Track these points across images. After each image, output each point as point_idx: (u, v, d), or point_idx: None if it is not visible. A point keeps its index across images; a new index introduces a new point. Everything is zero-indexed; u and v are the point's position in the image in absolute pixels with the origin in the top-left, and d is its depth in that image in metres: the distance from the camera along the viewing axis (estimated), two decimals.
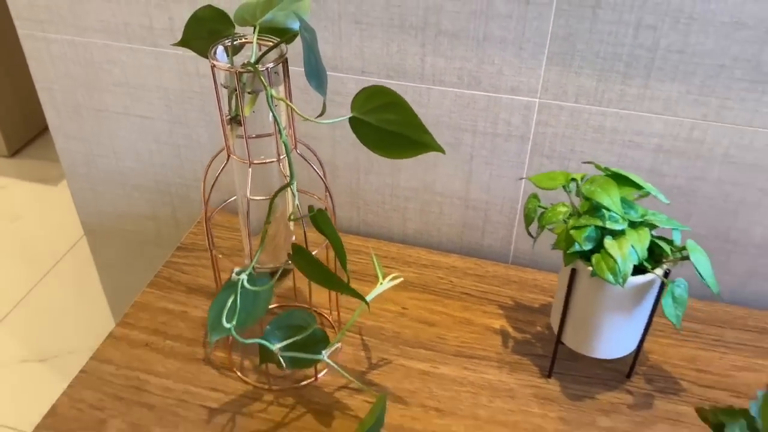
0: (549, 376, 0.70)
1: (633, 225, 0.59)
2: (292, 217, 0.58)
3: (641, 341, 0.67)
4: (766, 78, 0.65)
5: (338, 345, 0.65)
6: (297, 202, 0.54)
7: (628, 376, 0.70)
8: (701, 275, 0.59)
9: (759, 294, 0.79)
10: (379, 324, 0.76)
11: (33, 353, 1.41)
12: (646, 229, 0.59)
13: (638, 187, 0.60)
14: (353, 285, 0.59)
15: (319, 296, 0.77)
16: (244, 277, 0.55)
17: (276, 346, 0.59)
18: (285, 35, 0.54)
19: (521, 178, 0.77)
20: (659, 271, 0.60)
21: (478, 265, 0.84)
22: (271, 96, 0.49)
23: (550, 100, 0.72)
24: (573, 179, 0.62)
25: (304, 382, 0.70)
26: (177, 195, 0.95)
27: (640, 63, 0.67)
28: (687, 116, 0.69)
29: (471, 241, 0.86)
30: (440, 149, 0.49)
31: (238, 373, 0.70)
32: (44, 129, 2.08)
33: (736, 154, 0.70)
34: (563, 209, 0.61)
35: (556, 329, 0.68)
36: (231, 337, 0.74)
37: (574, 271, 0.62)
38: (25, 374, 1.37)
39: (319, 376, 0.70)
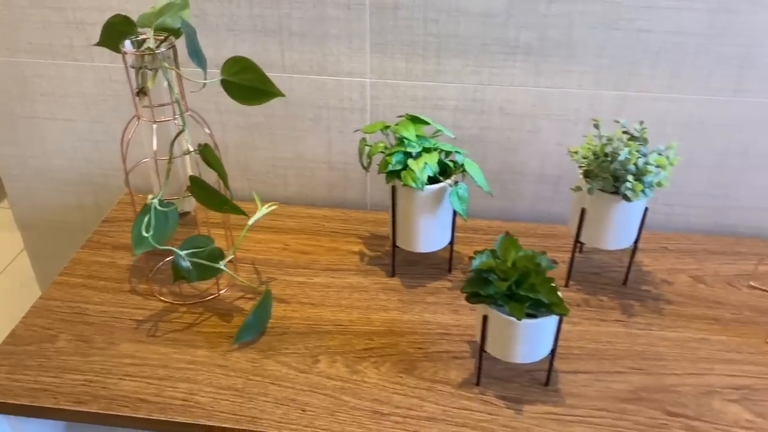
0: (392, 275, 0.96)
1: (427, 150, 0.87)
2: (186, 152, 0.80)
3: (452, 242, 0.94)
4: (514, 50, 0.95)
5: (232, 256, 0.87)
6: (189, 144, 0.78)
7: (449, 270, 0.97)
8: (475, 180, 0.87)
9: (544, 212, 1.08)
10: (267, 257, 1.00)
11: None
12: (436, 152, 0.87)
13: (427, 123, 0.87)
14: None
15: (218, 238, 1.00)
16: (155, 201, 0.78)
17: (183, 253, 0.82)
18: (173, 32, 0.78)
19: (356, 130, 1.04)
20: (449, 181, 0.87)
21: (343, 213, 1.10)
22: (165, 67, 0.73)
23: (377, 80, 1.00)
24: (387, 126, 0.89)
25: (209, 297, 0.92)
26: (98, 184, 1.16)
27: (432, 47, 0.96)
28: (470, 83, 0.99)
29: (337, 196, 1.12)
30: (282, 94, 0.75)
31: (158, 296, 0.92)
32: None
33: (507, 107, 1.00)
34: (381, 145, 0.88)
35: (391, 237, 0.94)
36: (151, 271, 0.96)
37: (394, 188, 0.88)
38: None
39: (221, 292, 0.93)
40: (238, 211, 0.82)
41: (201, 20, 0.98)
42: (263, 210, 0.88)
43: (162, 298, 0.92)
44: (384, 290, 0.94)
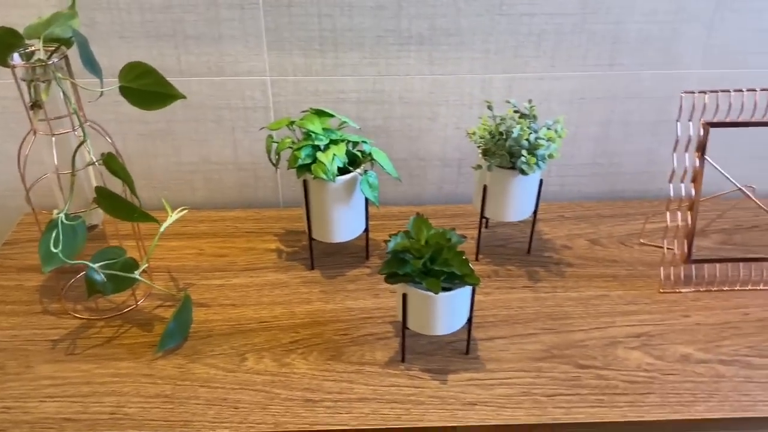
0: (312, 268, 0.98)
1: (335, 142, 0.89)
2: (90, 163, 0.79)
3: (367, 230, 0.97)
4: (407, 41, 0.99)
5: (147, 265, 0.86)
6: (92, 155, 0.77)
7: (367, 257, 1.00)
8: (383, 168, 0.90)
9: (450, 194, 1.13)
10: (183, 263, 0.99)
11: None
12: (343, 144, 0.89)
13: (332, 116, 0.90)
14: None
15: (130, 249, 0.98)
16: (62, 215, 0.76)
17: (96, 265, 0.80)
18: (64, 42, 0.77)
19: (262, 128, 1.05)
20: (359, 170, 0.90)
21: (256, 212, 1.10)
22: (59, 78, 0.72)
23: (277, 77, 1.01)
24: (293, 121, 0.91)
25: (127, 309, 0.91)
26: None
27: (328, 41, 0.99)
28: (368, 74, 1.02)
29: (248, 196, 1.12)
30: (183, 96, 0.75)
31: (73, 314, 0.90)
32: None
33: (406, 95, 1.04)
34: (288, 140, 0.90)
35: (307, 231, 0.95)
36: (63, 289, 0.93)
37: (305, 182, 0.90)
38: None
39: (139, 302, 0.92)
40: (149, 218, 0.81)
41: (91, 29, 0.96)
42: (174, 215, 0.88)
43: (77, 315, 0.89)
44: (305, 283, 0.95)
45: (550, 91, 1.05)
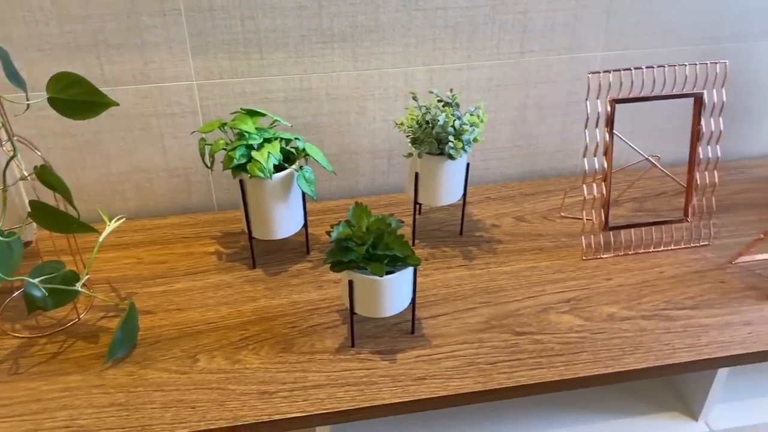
0: (254, 267, 0.99)
1: (268, 140, 0.91)
2: (22, 177, 0.78)
3: (306, 224, 0.99)
4: (330, 39, 1.03)
5: (88, 276, 0.86)
6: (23, 169, 0.76)
7: (308, 252, 1.02)
8: (318, 162, 0.93)
9: (384, 184, 1.17)
10: (122, 273, 0.99)
11: None
12: (277, 142, 0.91)
13: (263, 115, 0.92)
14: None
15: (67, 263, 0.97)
16: None
17: (36, 280, 0.79)
18: None
19: (193, 132, 1.05)
20: (294, 166, 0.92)
21: (192, 217, 1.11)
22: None
23: (203, 81, 1.02)
24: (224, 123, 0.92)
25: (70, 323, 0.90)
26: None
27: (253, 43, 1.01)
28: (295, 73, 1.04)
29: (182, 202, 1.12)
30: (115, 103, 0.75)
31: (12, 334, 0.88)
32: None
33: (333, 92, 1.07)
34: (222, 142, 0.91)
35: (246, 230, 0.97)
36: None
37: (242, 182, 0.92)
38: None
39: (81, 316, 0.91)
40: (89, 229, 0.81)
41: (7, 43, 0.94)
42: (112, 224, 0.88)
43: (17, 335, 0.88)
44: (248, 282, 0.97)
45: (469, 80, 1.11)
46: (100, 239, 0.85)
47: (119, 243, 1.04)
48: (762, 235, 0.93)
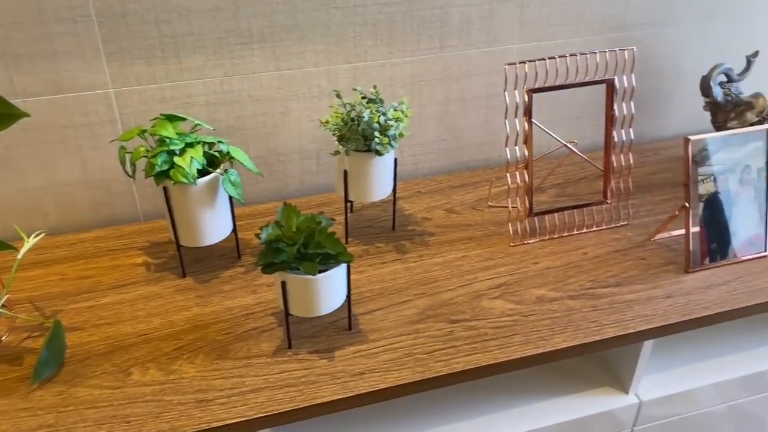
0: (184, 276, 0.97)
1: (190, 145, 0.90)
2: None
3: (235, 229, 0.98)
4: (249, 40, 1.02)
5: (7, 296, 0.82)
6: None
7: (239, 257, 1.01)
8: (243, 165, 0.92)
9: (313, 185, 1.17)
10: (45, 291, 0.95)
11: None
12: (200, 146, 0.90)
13: (184, 119, 0.90)
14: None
15: None
16: None
17: None
18: None
19: (112, 141, 1.02)
20: (219, 170, 0.91)
21: (117, 229, 1.07)
22: None
23: (120, 88, 1.00)
24: (144, 130, 0.90)
25: None
26: None
27: (169, 47, 0.99)
28: (215, 76, 1.03)
29: (105, 214, 1.09)
30: (26, 114, 0.72)
31: None
32: None
33: (256, 93, 1.06)
34: (142, 149, 0.89)
35: (174, 239, 0.95)
36: None
37: (166, 189, 0.90)
38: None
39: (2, 338, 0.87)
40: (6, 246, 0.77)
41: None
42: (31, 240, 0.84)
43: None
44: (179, 291, 0.95)
45: (392, 76, 1.12)
46: (19, 256, 0.82)
47: (41, 260, 1.00)
48: (677, 212, 0.98)
